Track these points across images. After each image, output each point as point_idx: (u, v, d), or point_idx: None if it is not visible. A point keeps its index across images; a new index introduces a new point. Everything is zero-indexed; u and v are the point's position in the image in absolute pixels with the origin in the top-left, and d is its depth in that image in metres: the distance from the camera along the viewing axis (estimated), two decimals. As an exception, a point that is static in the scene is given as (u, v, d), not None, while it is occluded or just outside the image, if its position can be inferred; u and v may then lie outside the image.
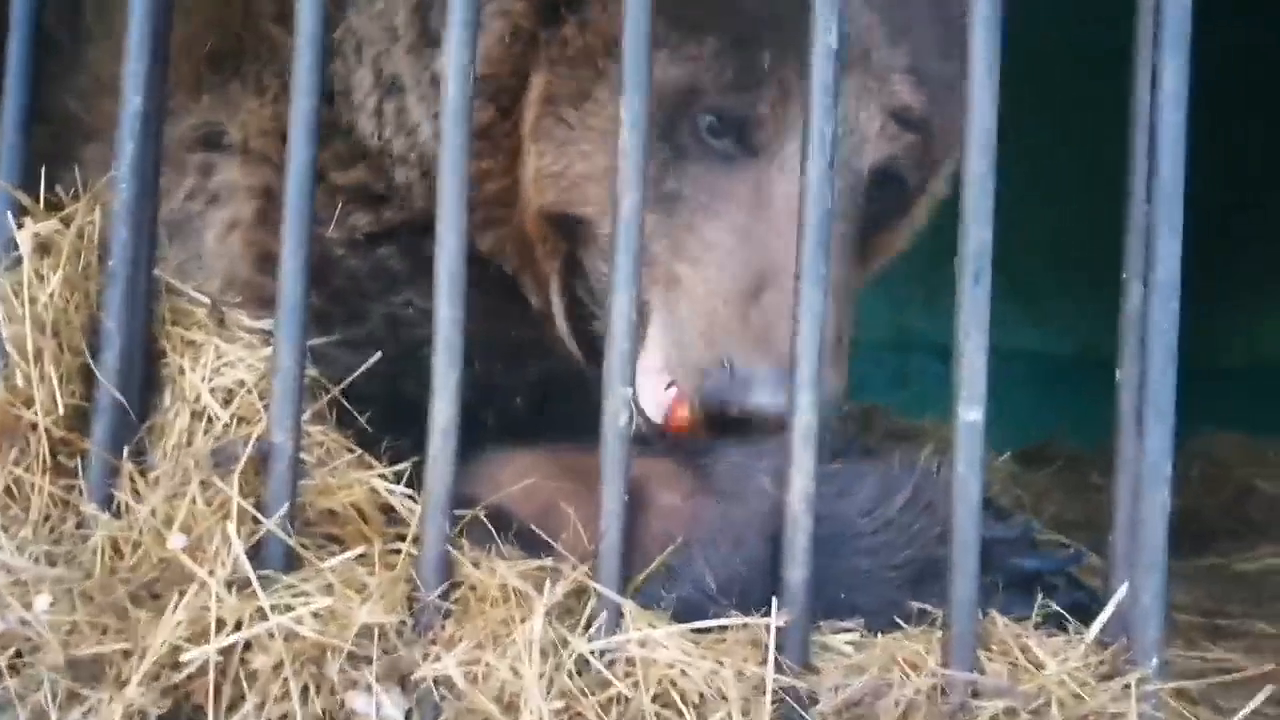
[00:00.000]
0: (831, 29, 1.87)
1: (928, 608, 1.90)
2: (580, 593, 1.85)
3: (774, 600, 1.81)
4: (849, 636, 1.87)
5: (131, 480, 1.90)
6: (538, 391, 2.30)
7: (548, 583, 1.83)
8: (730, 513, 1.91)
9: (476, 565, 1.86)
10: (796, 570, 1.84)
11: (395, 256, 2.44)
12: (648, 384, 2.14)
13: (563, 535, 1.95)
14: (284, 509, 1.88)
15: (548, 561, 1.88)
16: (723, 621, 1.81)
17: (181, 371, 1.96)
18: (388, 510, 2.00)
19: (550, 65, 2.30)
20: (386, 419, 2.10)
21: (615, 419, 1.87)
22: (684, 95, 2.26)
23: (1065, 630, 1.93)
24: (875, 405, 4.34)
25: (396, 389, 2.17)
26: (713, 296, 2.19)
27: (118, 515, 1.88)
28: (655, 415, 2.15)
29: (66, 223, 2.04)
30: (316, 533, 1.94)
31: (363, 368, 2.05)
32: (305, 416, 1.96)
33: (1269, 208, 5.57)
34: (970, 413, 1.85)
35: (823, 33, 1.87)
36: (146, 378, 1.98)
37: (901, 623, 1.90)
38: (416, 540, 1.91)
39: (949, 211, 2.65)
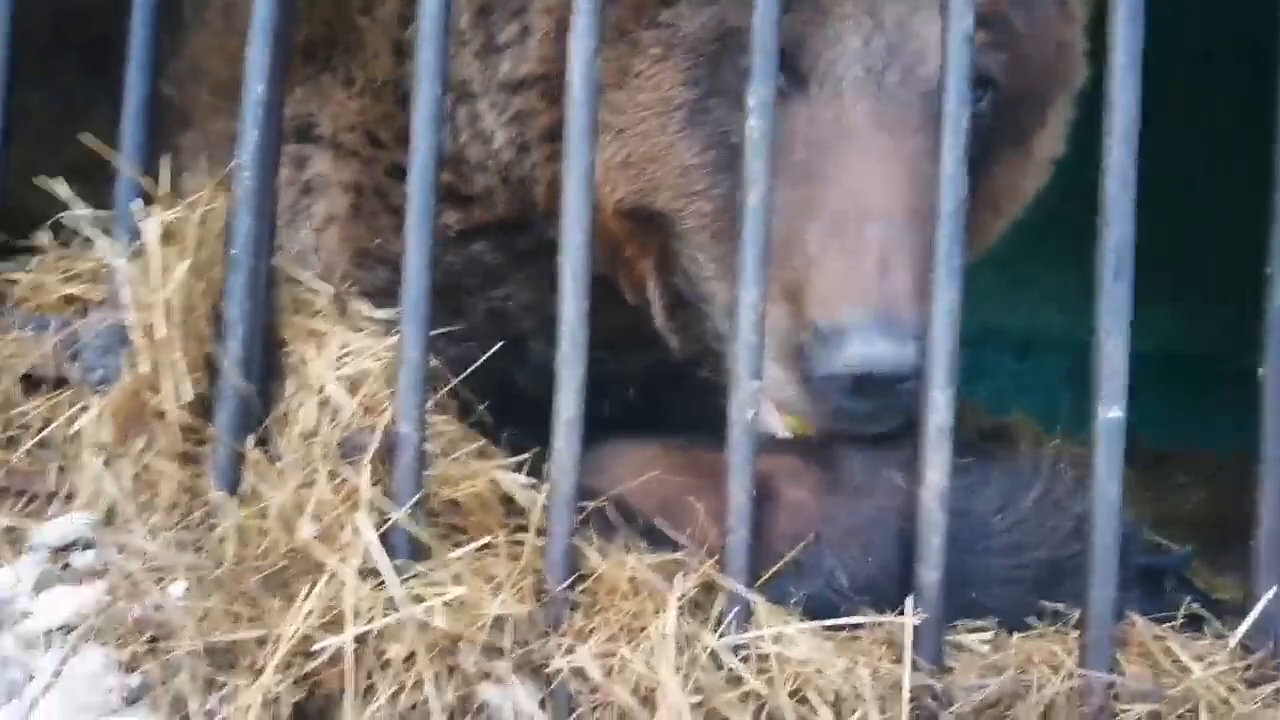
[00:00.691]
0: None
1: (1060, 608, 1.86)
2: (708, 588, 1.83)
3: (909, 599, 1.78)
4: (983, 636, 1.84)
5: (257, 468, 1.90)
6: (645, 381, 2.28)
7: (678, 576, 1.81)
8: (860, 509, 1.88)
9: (604, 557, 1.84)
10: (930, 570, 1.80)
11: (489, 251, 2.42)
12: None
13: (687, 530, 1.93)
14: (413, 499, 1.87)
15: (676, 555, 1.85)
16: (858, 620, 1.79)
17: (304, 361, 1.96)
18: (507, 501, 1.98)
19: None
20: (501, 410, 2.09)
21: (743, 413, 1.85)
22: (719, 39, 2.13)
23: (1199, 632, 1.89)
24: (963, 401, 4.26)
25: (508, 381, 2.16)
26: (790, 269, 2.01)
27: (244, 503, 1.88)
28: (780, 430, 2.10)
29: (191, 210, 2.05)
30: (441, 523, 1.93)
31: (484, 358, 2.03)
32: (428, 407, 1.95)
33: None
34: (1111, 410, 1.80)
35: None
36: (269, 366, 1.98)
37: (1034, 622, 1.86)
38: (541, 531, 1.89)
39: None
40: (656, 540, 1.96)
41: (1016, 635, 1.83)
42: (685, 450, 2.06)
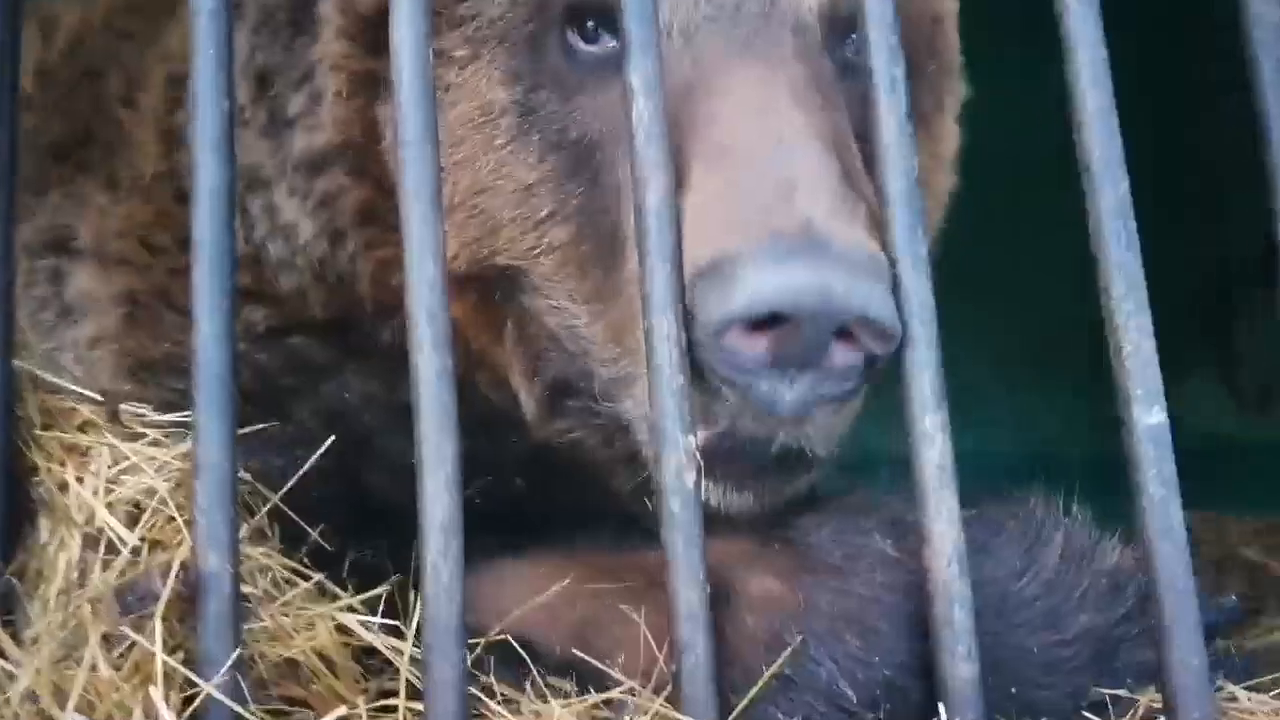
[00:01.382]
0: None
1: (1122, 692, 1.41)
2: (662, 731, 1.32)
3: (940, 707, 1.30)
4: (1037, 745, 1.36)
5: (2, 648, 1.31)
6: (530, 469, 1.78)
7: (618, 723, 1.29)
8: (851, 591, 1.39)
9: (517, 711, 1.30)
10: (960, 661, 1.33)
11: (313, 346, 1.91)
12: None
13: (619, 657, 1.42)
14: (229, 663, 1.31)
15: (612, 694, 1.33)
16: (877, 744, 1.29)
17: (64, 486, 1.40)
18: (366, 654, 1.45)
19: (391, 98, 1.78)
20: (346, 529, 1.57)
21: (679, 480, 1.36)
22: (535, 16, 1.70)
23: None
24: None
25: (352, 489, 1.65)
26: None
27: (-18, 700, 1.29)
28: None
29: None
30: (273, 695, 1.38)
31: (314, 457, 1.51)
32: (243, 534, 1.41)
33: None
34: (1150, 414, 1.38)
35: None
36: (11, 504, 1.42)
37: (1092, 717, 1.40)
38: (415, 691, 1.36)
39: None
40: (579, 679, 1.44)
41: (1081, 735, 1.36)
42: (595, 555, 1.56)
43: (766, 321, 1.37)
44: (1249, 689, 1.40)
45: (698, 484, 1.36)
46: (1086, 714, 1.39)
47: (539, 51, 1.69)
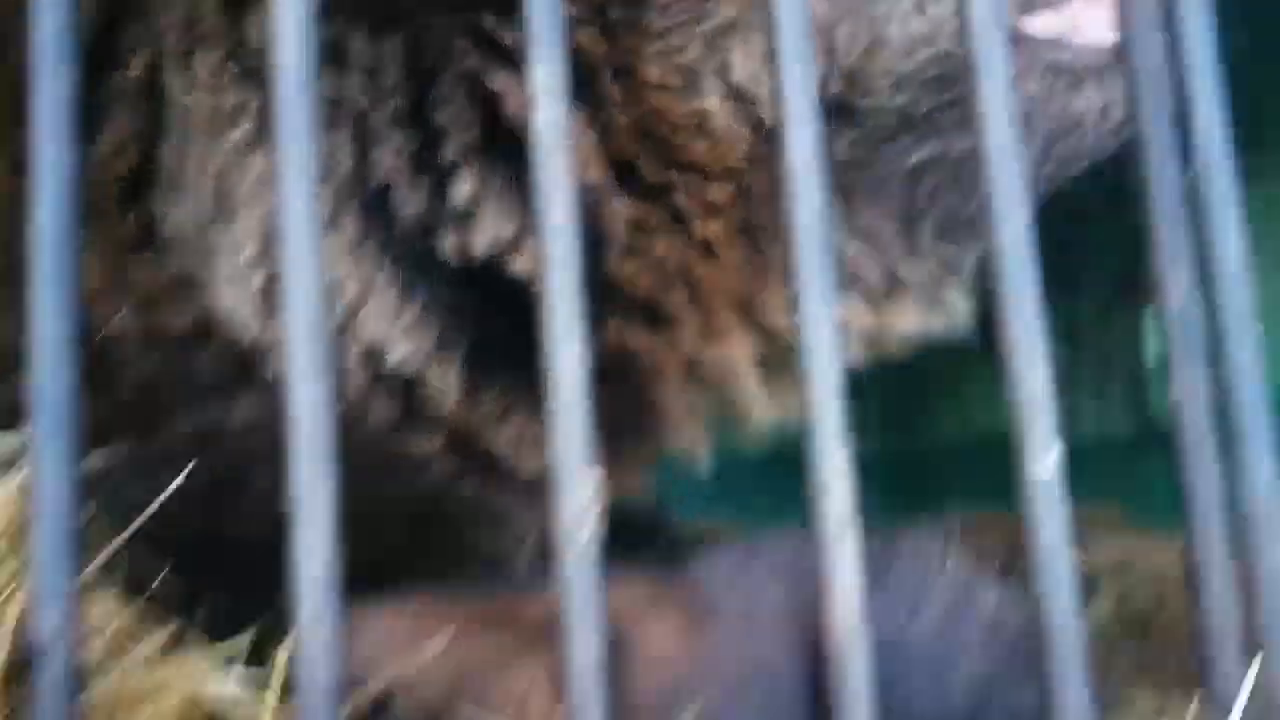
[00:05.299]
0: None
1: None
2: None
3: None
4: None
5: None
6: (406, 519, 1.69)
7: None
8: (754, 640, 1.35)
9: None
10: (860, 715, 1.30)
11: (215, 360, 1.74)
12: None
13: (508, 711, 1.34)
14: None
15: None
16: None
17: None
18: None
19: None
20: (203, 569, 1.43)
21: (575, 533, 1.28)
22: None
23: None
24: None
25: (217, 525, 1.51)
26: None
27: None
28: None
29: None
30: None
31: (173, 485, 1.36)
32: (85, 575, 1.25)
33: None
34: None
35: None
36: None
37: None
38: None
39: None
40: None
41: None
42: (476, 600, 1.47)
43: None
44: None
45: (592, 539, 1.28)
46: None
47: None
